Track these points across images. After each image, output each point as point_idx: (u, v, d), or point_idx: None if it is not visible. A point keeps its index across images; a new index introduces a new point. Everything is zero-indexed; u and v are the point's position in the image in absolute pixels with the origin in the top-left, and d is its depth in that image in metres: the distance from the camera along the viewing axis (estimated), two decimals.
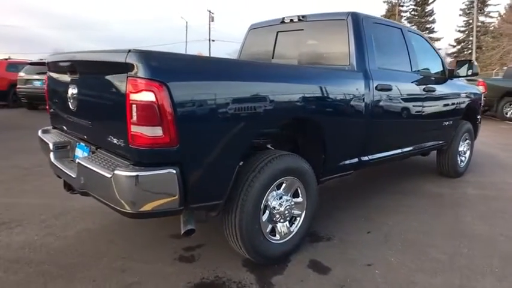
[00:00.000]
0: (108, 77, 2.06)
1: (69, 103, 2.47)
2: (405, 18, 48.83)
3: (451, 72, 4.30)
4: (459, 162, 4.92)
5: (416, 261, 2.72)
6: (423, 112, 3.88)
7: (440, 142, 4.47)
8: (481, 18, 44.19)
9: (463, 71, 4.13)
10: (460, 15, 45.70)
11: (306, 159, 2.68)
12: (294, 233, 2.69)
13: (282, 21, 3.78)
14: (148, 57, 1.87)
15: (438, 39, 46.40)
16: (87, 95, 2.32)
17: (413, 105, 3.72)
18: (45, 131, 3.05)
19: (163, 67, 1.91)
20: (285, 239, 2.64)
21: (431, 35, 46.85)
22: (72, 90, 2.41)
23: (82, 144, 2.54)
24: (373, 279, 2.48)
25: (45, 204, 3.68)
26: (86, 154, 2.45)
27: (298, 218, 2.73)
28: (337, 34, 3.27)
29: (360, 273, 2.55)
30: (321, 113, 2.73)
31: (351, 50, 3.16)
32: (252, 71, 2.41)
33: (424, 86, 3.86)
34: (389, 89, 3.34)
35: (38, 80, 11.09)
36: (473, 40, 31.73)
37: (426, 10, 47.51)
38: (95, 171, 2.03)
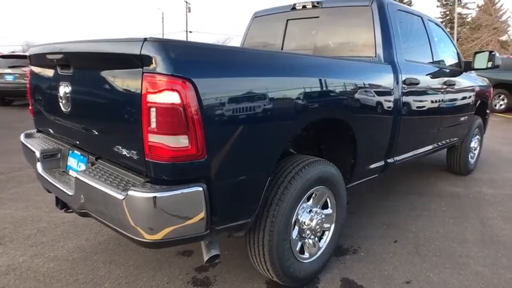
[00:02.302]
0: (115, 73, 1.64)
1: (61, 103, 2.04)
2: None
3: (468, 65, 4.05)
4: (470, 159, 4.71)
5: (457, 277, 2.45)
6: (445, 107, 3.61)
7: (456, 138, 4.24)
8: (458, 10, 44.76)
9: (481, 63, 3.87)
10: (437, 6, 46.11)
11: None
12: (323, 249, 2.37)
13: (293, 8, 3.41)
14: (170, 48, 1.47)
15: None
16: (84, 94, 1.89)
17: (437, 101, 3.44)
18: (28, 136, 2.60)
19: (188, 60, 1.52)
20: (314, 257, 2.32)
21: None
22: (65, 89, 1.98)
23: (76, 152, 2.13)
24: None
25: (28, 217, 3.22)
26: (83, 165, 2.04)
27: (327, 232, 2.41)
28: (360, 22, 2.93)
29: None
30: (352, 111, 2.40)
31: (377, 40, 2.83)
32: (291, 63, 2.03)
33: (446, 79, 3.59)
34: (417, 84, 3.04)
35: (10, 74, 10.35)
36: (454, 32, 32.06)
37: (404, 1, 47.81)
38: (100, 190, 1.63)
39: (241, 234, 1.98)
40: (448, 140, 4.04)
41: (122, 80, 1.62)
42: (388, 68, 2.76)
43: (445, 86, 3.57)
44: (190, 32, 40.65)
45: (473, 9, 41.10)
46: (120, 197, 1.53)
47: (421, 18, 3.53)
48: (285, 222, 2.02)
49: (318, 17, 3.21)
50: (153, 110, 1.47)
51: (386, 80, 2.71)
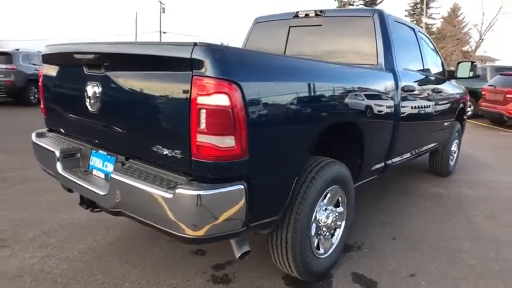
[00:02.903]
0: (160, 75, 1.70)
1: (87, 103, 2.06)
2: None
3: (451, 74, 4.34)
4: (450, 161, 5.03)
5: (454, 269, 2.65)
6: (434, 113, 3.86)
7: (440, 142, 4.52)
8: (424, 20, 46.87)
9: (464, 72, 4.17)
10: (405, 15, 48.00)
11: None
12: (335, 245, 2.51)
13: (296, 16, 3.55)
14: (219, 52, 1.56)
15: None
16: (120, 94, 1.92)
17: (427, 106, 3.68)
18: (40, 135, 2.58)
19: (235, 64, 1.62)
20: (328, 253, 2.45)
21: None
22: (94, 88, 2.00)
23: (101, 152, 2.15)
24: None
25: (29, 218, 3.16)
26: (110, 165, 2.07)
27: (338, 230, 2.54)
28: (362, 31, 3.11)
29: (407, 285, 2.43)
30: (362, 115, 2.56)
31: (378, 49, 3.01)
32: (321, 69, 2.17)
33: (434, 87, 3.85)
34: (413, 91, 3.25)
35: None
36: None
37: None
38: (142, 189, 1.68)
39: (267, 231, 2.08)
40: (434, 144, 4.31)
41: (168, 82, 1.67)
42: (390, 76, 2.95)
43: (433, 93, 3.83)
44: (165, 32, 40.12)
45: (439, 19, 43.14)
46: (168, 195, 1.59)
47: (413, 29, 3.77)
48: (307, 219, 2.14)
49: (320, 25, 3.37)
50: (203, 111, 1.54)
51: (389, 86, 2.90)
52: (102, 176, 2.12)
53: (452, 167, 5.16)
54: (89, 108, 2.06)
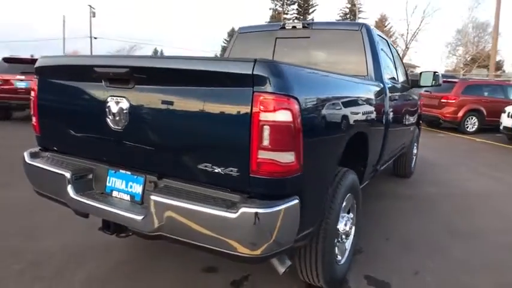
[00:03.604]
0: (214, 91, 1.63)
1: (109, 120, 1.91)
2: None
3: (415, 82, 4.71)
4: (412, 163, 5.44)
5: (448, 263, 2.88)
6: (406, 119, 4.16)
7: (407, 146, 4.87)
8: None
9: (427, 81, 4.54)
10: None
11: None
12: (347, 250, 2.59)
13: (282, 27, 3.62)
14: (280, 69, 1.56)
15: None
16: (159, 111, 1.80)
17: (403, 114, 3.96)
18: (34, 155, 2.32)
19: (293, 79, 1.61)
20: (344, 258, 2.52)
21: None
22: (121, 105, 1.86)
23: (123, 172, 2.00)
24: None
25: (7, 248, 2.81)
26: (138, 185, 1.94)
27: (350, 235, 2.63)
28: (352, 44, 3.26)
29: (416, 283, 2.59)
30: (370, 125, 2.69)
31: (368, 61, 3.18)
32: (349, 83, 2.24)
33: (405, 94, 4.15)
34: (396, 99, 3.48)
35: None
36: None
37: (308, 19, 51.80)
38: (199, 211, 1.60)
39: (303, 243, 2.08)
40: (403, 148, 4.63)
41: (224, 99, 1.61)
42: (381, 85, 3.13)
43: (405, 101, 4.13)
44: (95, 38, 38.09)
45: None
46: (230, 215, 1.53)
47: (387, 41, 4.04)
48: (335, 228, 2.19)
49: (308, 37, 3.47)
50: (266, 127, 1.52)
51: (382, 96, 3.08)
52: (127, 197, 1.98)
53: (413, 168, 5.58)
54: (111, 125, 1.91)
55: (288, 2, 51.79)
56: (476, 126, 10.75)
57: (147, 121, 1.84)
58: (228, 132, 1.62)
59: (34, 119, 2.35)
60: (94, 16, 38.73)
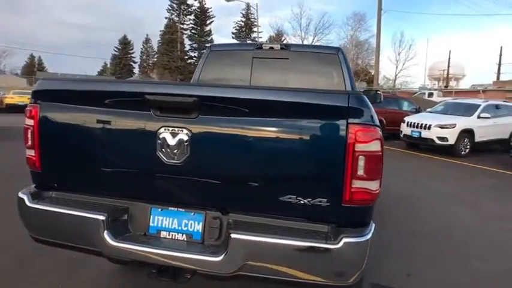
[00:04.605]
0: (301, 122, 1.60)
1: (162, 153, 1.71)
2: (186, 36, 52.23)
3: None
4: None
5: (436, 264, 3.27)
6: None
7: None
8: (249, 42, 52.24)
9: (369, 99, 5.05)
10: (232, 37, 52.43)
11: None
12: None
13: (259, 47, 3.66)
14: (366, 100, 1.62)
15: None
16: (232, 143, 1.66)
17: None
18: (36, 196, 1.92)
19: (372, 109, 1.68)
20: None
21: None
22: (181, 136, 1.68)
23: (173, 209, 1.81)
24: None
25: None
26: (196, 223, 1.77)
27: None
28: (330, 66, 3.48)
29: (412, 285, 2.87)
30: None
31: (346, 82, 3.44)
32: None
33: None
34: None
35: None
36: None
37: (205, 30, 52.18)
38: (293, 245, 1.55)
39: None
40: None
41: (313, 130, 1.59)
42: None
43: None
44: None
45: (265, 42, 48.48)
46: (332, 246, 1.53)
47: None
48: None
49: (287, 58, 3.58)
50: (361, 157, 1.56)
51: None
52: (182, 237, 1.79)
53: None
54: (163, 158, 1.71)
55: (185, 12, 51.48)
56: None
57: (215, 154, 1.71)
58: (319, 163, 1.62)
59: (32, 153, 1.95)
60: None
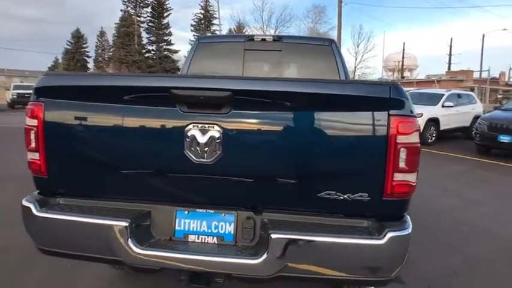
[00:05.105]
0: (340, 115, 1.54)
1: (190, 152, 1.59)
2: (143, 28, 50.55)
3: None
4: None
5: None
6: None
7: None
8: (208, 35, 51.38)
9: None
10: (191, 30, 51.34)
11: None
12: None
13: (251, 39, 3.55)
14: (405, 92, 1.59)
15: (176, 51, 50.62)
16: (269, 139, 1.57)
17: None
18: (44, 204, 1.74)
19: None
20: None
21: (169, 47, 50.64)
22: (212, 133, 1.57)
23: (201, 211, 1.70)
24: None
25: None
26: (227, 225, 1.68)
27: None
28: (324, 57, 3.44)
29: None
30: None
31: (340, 71, 3.42)
32: None
33: None
34: None
35: None
36: None
37: (163, 23, 50.67)
38: (337, 243, 1.51)
39: None
40: None
41: (352, 122, 1.54)
42: None
43: None
44: None
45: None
46: (377, 241, 1.50)
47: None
48: None
49: (280, 50, 3.51)
50: (403, 150, 1.53)
51: None
52: (212, 240, 1.69)
53: None
54: (193, 158, 1.60)
55: (141, 4, 49.70)
56: None
57: (249, 151, 1.61)
58: (359, 157, 1.57)
59: (35, 156, 1.76)
60: None
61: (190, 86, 1.56)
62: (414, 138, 1.57)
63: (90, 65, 54.61)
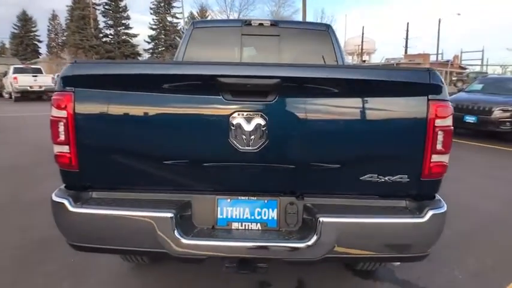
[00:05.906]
0: (380, 100, 1.60)
1: (235, 140, 1.59)
2: (99, 11, 48.11)
3: None
4: None
5: None
6: None
7: None
8: (169, 19, 49.74)
9: None
10: (150, 13, 49.49)
11: None
12: None
13: (248, 24, 3.51)
14: (442, 77, 1.66)
15: (135, 36, 48.73)
16: (313, 125, 1.59)
17: None
18: (78, 199, 1.67)
19: None
20: None
21: (127, 31, 48.65)
22: (257, 120, 1.57)
23: (243, 198, 1.71)
24: None
25: None
26: (270, 211, 1.71)
27: None
28: (322, 43, 3.48)
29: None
30: None
31: (337, 57, 3.48)
32: None
33: None
34: None
35: None
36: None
37: (120, 6, 48.44)
38: (384, 223, 1.59)
39: None
40: None
41: (393, 107, 1.61)
42: None
43: None
44: None
45: (182, 19, 46.66)
46: (420, 219, 1.59)
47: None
48: None
49: (278, 35, 3.50)
50: (440, 132, 1.62)
51: None
52: (256, 226, 1.71)
53: None
54: (237, 146, 1.59)
55: None
56: None
57: (294, 138, 1.63)
58: (401, 140, 1.64)
59: (65, 149, 1.67)
60: None
61: (239, 74, 1.55)
62: (449, 121, 1.65)
63: (43, 50, 51.54)
